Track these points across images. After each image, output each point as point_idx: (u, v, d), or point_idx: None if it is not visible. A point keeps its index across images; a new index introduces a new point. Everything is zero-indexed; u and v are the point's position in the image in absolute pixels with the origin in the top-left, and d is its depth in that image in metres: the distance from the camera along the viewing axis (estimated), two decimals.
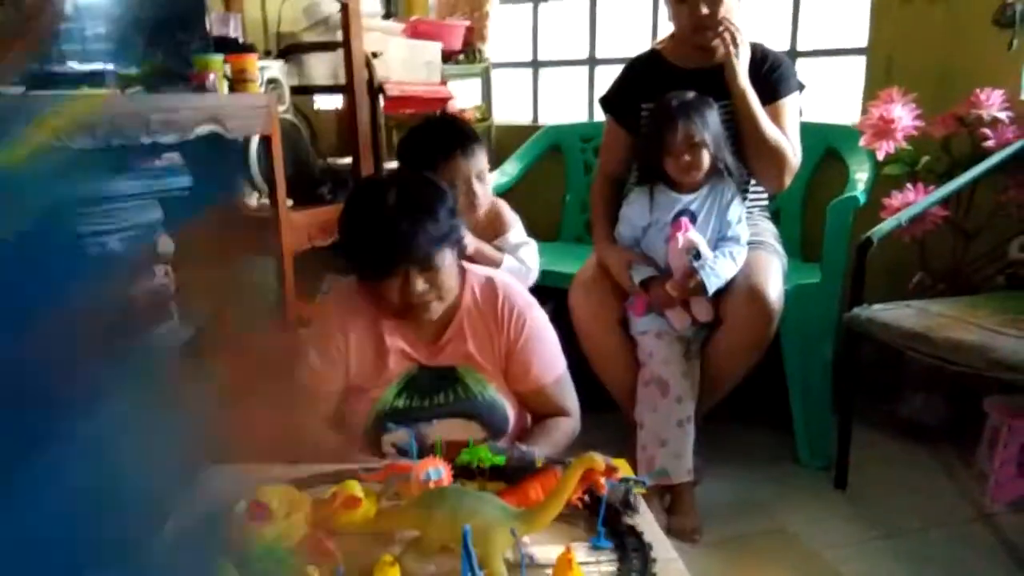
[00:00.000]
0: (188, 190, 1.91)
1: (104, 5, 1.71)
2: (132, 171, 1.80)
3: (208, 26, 1.98)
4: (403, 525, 1.04)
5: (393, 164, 2.61)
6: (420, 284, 1.34)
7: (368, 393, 1.44)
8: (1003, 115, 2.13)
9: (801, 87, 2.03)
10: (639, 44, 2.24)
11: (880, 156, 2.21)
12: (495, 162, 2.85)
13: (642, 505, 1.11)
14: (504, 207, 1.92)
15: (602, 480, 1.05)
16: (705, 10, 1.90)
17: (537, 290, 1.75)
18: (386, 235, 1.32)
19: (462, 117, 1.99)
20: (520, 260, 1.83)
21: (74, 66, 1.66)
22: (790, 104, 1.99)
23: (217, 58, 1.83)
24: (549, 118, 3.26)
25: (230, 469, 1.28)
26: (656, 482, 1.79)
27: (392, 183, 1.38)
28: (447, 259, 1.36)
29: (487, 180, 1.84)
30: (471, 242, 1.72)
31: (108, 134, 1.53)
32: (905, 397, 2.33)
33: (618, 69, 2.18)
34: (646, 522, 1.07)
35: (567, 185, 3.01)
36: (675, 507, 1.86)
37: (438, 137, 1.78)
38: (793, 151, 1.95)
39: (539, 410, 1.51)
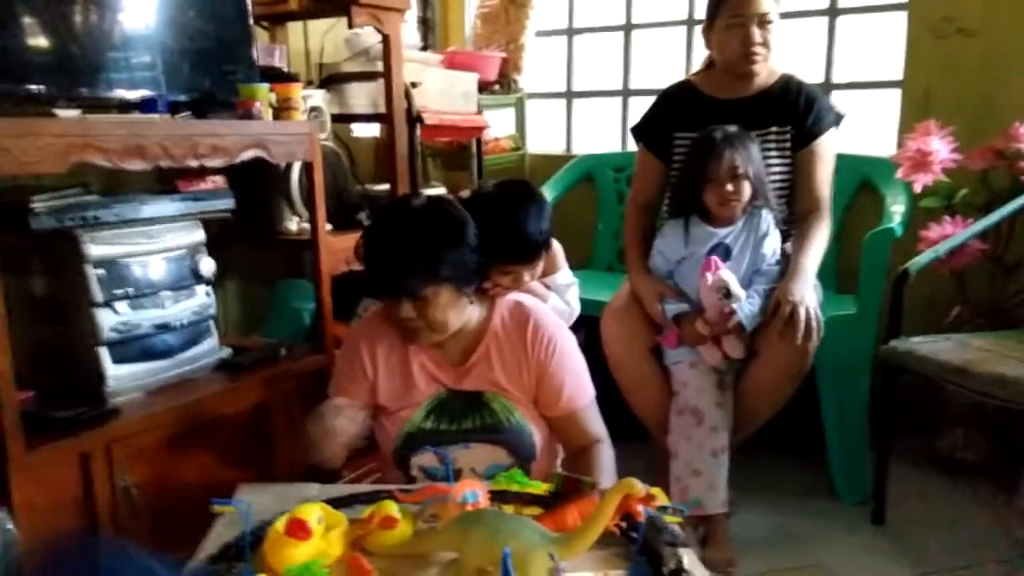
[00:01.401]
0: (231, 212, 1.95)
1: (155, 35, 1.77)
2: (177, 193, 1.85)
3: (254, 56, 2.03)
4: (440, 547, 1.04)
5: (430, 191, 2.64)
6: (407, 311, 1.36)
7: (397, 414, 1.46)
8: None
9: (839, 118, 2.03)
10: (672, 75, 2.26)
11: (918, 189, 2.20)
12: None
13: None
14: (557, 247, 1.80)
15: (639, 508, 1.04)
16: (758, 36, 1.92)
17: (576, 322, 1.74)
18: (380, 261, 1.37)
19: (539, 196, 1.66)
20: (566, 302, 1.81)
21: (125, 92, 1.72)
22: (828, 142, 1.99)
23: (263, 87, 1.88)
24: (582, 148, 3.29)
25: (267, 487, 1.30)
26: (690, 512, 1.77)
27: (406, 213, 1.40)
28: (442, 295, 1.35)
29: (538, 270, 1.69)
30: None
31: (158, 157, 1.58)
32: (944, 432, 2.29)
33: (651, 100, 2.20)
34: (685, 553, 1.07)
35: (599, 214, 3.02)
36: (709, 539, 1.84)
37: (508, 242, 1.54)
38: (823, 205, 1.98)
39: (570, 437, 1.50)
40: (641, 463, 1.92)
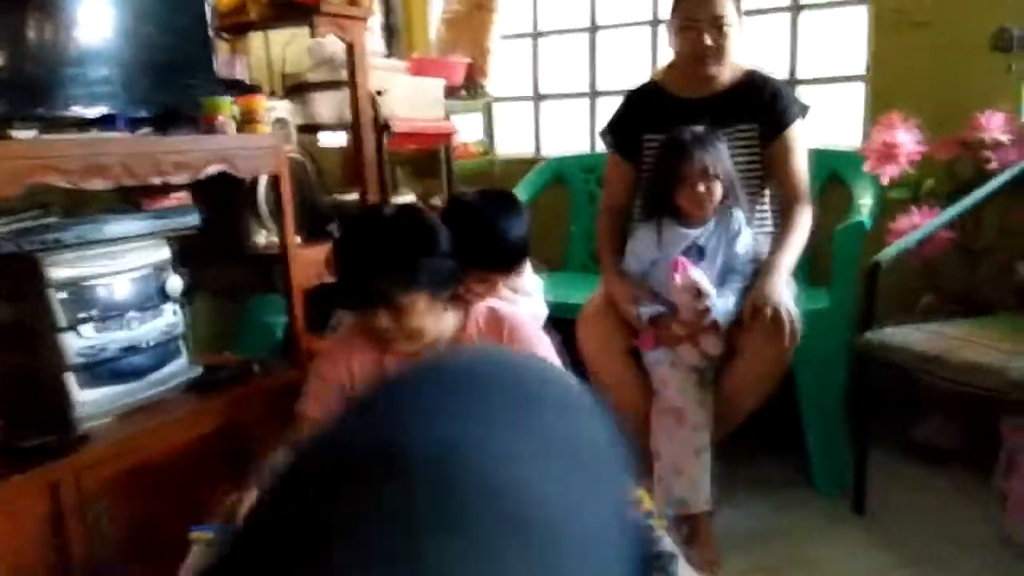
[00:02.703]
0: (197, 228, 1.92)
1: (113, 50, 1.73)
2: (141, 211, 1.81)
3: (216, 68, 2.00)
4: None
5: (400, 199, 2.62)
6: (383, 320, 1.34)
7: None
8: (1004, 137, 2.14)
9: (805, 110, 2.05)
10: (639, 75, 2.27)
11: (885, 181, 2.22)
12: None
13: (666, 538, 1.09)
14: None
15: None
16: (709, 41, 1.92)
17: (548, 322, 1.73)
18: (353, 270, 1.36)
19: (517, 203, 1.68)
20: (534, 304, 1.81)
21: (84, 110, 1.68)
22: (797, 132, 2.01)
23: (226, 100, 1.85)
24: (552, 150, 3.28)
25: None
26: (674, 512, 1.77)
27: (378, 221, 1.39)
28: (419, 302, 1.35)
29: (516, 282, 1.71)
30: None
31: (119, 176, 1.54)
32: (919, 421, 2.32)
33: (619, 100, 2.20)
34: (664, 538, 1.06)
35: (571, 216, 3.02)
36: (693, 538, 1.83)
37: (489, 249, 1.55)
38: (804, 194, 2.00)
39: None
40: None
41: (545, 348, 1.49)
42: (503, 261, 1.56)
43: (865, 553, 1.85)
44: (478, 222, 1.52)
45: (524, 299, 1.75)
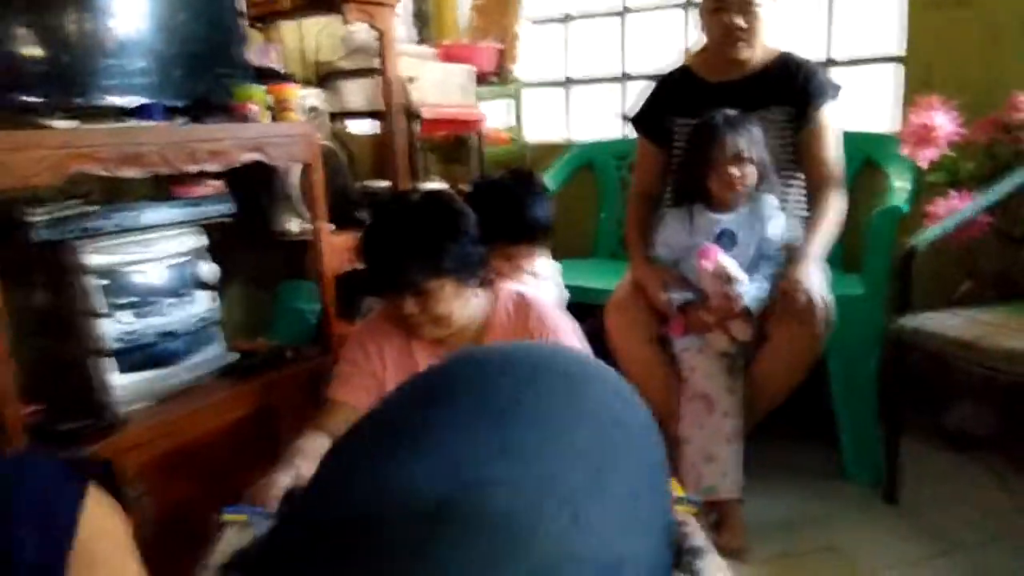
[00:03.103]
0: (231, 216, 1.95)
1: (148, 40, 1.76)
2: (176, 199, 1.84)
3: (249, 58, 2.02)
4: None
5: (430, 185, 2.63)
6: (411, 306, 1.35)
7: None
8: None
9: (837, 91, 2.01)
10: (670, 59, 2.25)
11: (923, 164, 2.18)
12: None
13: (687, 516, 1.09)
14: None
15: None
16: (739, 21, 1.90)
17: (572, 307, 1.74)
18: (380, 257, 1.37)
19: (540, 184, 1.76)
20: (557, 286, 1.82)
21: (120, 100, 1.71)
22: (830, 115, 1.98)
23: (259, 89, 1.87)
24: (581, 136, 3.27)
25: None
26: (704, 499, 1.77)
27: (405, 207, 1.40)
28: (445, 288, 1.35)
29: (535, 258, 1.76)
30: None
31: (155, 164, 1.57)
32: (953, 408, 2.28)
33: (650, 85, 2.18)
34: (695, 532, 1.06)
35: (601, 202, 3.01)
36: (722, 524, 1.83)
37: (514, 221, 1.63)
38: (838, 179, 1.97)
39: None
40: None
41: (570, 333, 1.49)
42: (527, 233, 1.58)
43: (896, 542, 1.83)
44: (501, 195, 1.56)
45: (544, 284, 1.77)
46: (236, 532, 1.12)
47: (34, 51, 1.56)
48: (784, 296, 1.76)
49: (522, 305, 1.48)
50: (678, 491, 1.11)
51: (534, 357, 0.76)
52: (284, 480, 1.22)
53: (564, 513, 0.56)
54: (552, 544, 0.54)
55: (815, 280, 1.78)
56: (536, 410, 0.65)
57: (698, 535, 1.00)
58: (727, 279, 1.77)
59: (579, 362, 0.82)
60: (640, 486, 0.66)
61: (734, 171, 1.82)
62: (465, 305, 1.41)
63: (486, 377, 0.69)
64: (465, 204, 1.44)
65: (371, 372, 1.47)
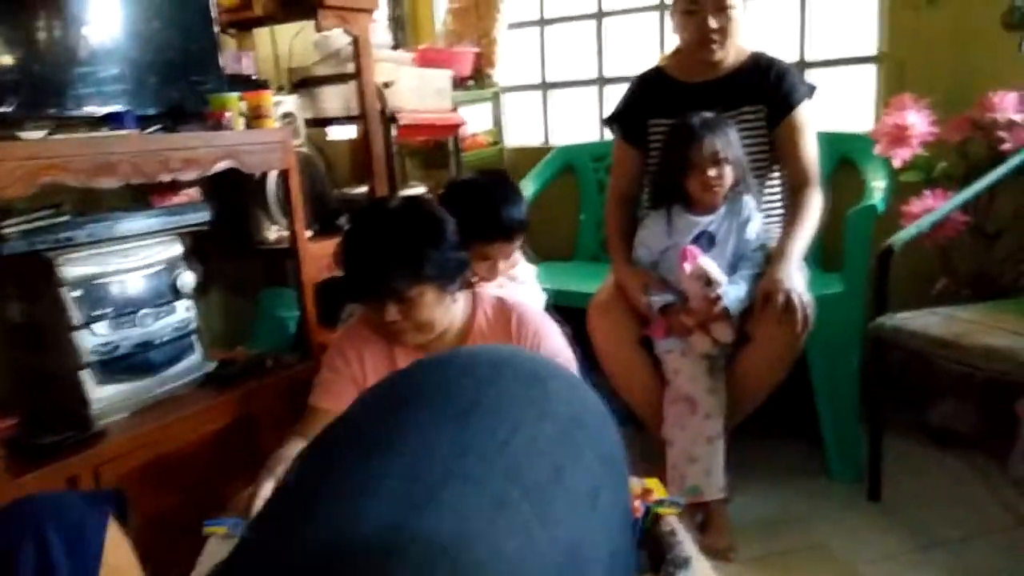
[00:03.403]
0: (208, 224, 1.93)
1: (120, 48, 1.74)
2: (152, 208, 1.82)
3: (222, 65, 2.00)
4: None
5: (410, 191, 2.62)
6: (392, 313, 1.34)
7: None
8: (1018, 117, 2.11)
9: (812, 90, 2.03)
10: (647, 61, 2.25)
11: (897, 163, 2.20)
12: None
13: (679, 526, 1.09)
14: None
15: (637, 503, 1.04)
16: (714, 23, 1.91)
17: (554, 310, 1.73)
18: (361, 264, 1.35)
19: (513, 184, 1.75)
20: (535, 289, 1.82)
21: (93, 109, 1.69)
22: (805, 113, 1.99)
23: (233, 96, 1.85)
24: (560, 139, 3.27)
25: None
26: (688, 500, 1.77)
27: (385, 214, 1.39)
28: (427, 295, 1.34)
29: (517, 257, 1.75)
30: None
31: (129, 174, 1.55)
32: (934, 405, 2.30)
33: (627, 87, 2.19)
34: (685, 543, 1.06)
35: (581, 204, 3.01)
36: (708, 525, 1.84)
37: (488, 219, 1.60)
38: (814, 177, 1.98)
39: None
40: (635, 452, 1.91)
41: (552, 335, 1.49)
42: (500, 230, 1.57)
43: (880, 538, 1.84)
44: (474, 194, 1.54)
45: (520, 287, 1.77)
46: (217, 544, 1.10)
47: (4, 59, 1.53)
48: (764, 296, 1.77)
49: (503, 309, 1.48)
50: (661, 492, 1.10)
51: (495, 358, 0.78)
52: (266, 490, 1.21)
53: (525, 505, 0.58)
54: (512, 550, 0.56)
55: (795, 280, 1.79)
56: (498, 409, 0.67)
57: (687, 544, 0.99)
58: (707, 281, 1.77)
59: (538, 362, 0.85)
60: (599, 482, 0.69)
61: (712, 172, 1.82)
62: (446, 311, 1.40)
63: (448, 379, 0.72)
64: (444, 210, 1.43)
65: (352, 378, 1.46)
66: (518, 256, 1.82)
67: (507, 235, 1.60)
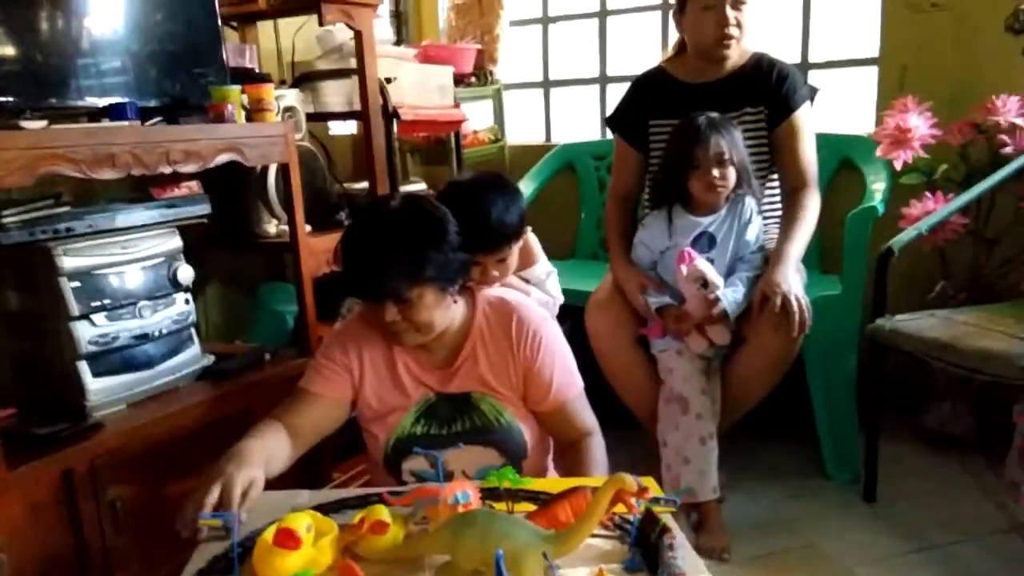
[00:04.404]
0: (208, 217, 1.93)
1: (123, 40, 1.74)
2: (152, 200, 1.82)
3: (225, 57, 2.00)
4: (432, 550, 1.03)
5: (410, 187, 2.62)
6: (392, 314, 1.33)
7: (386, 419, 1.44)
8: (1020, 121, 2.11)
9: (813, 92, 2.03)
10: (649, 61, 2.25)
11: (898, 166, 2.20)
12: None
13: (674, 525, 1.09)
14: (532, 238, 1.76)
15: (632, 501, 1.03)
16: (733, 19, 1.90)
17: (566, 312, 1.72)
18: (361, 264, 1.34)
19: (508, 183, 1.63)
20: (548, 292, 1.79)
21: (94, 100, 1.68)
22: (805, 115, 1.99)
23: (235, 89, 1.85)
24: (562, 137, 3.27)
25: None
26: (682, 500, 1.77)
27: (385, 214, 1.37)
28: (427, 296, 1.33)
29: (512, 262, 1.66)
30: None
31: (129, 165, 1.55)
32: (931, 408, 2.31)
33: (628, 87, 2.19)
34: (679, 543, 1.05)
35: (581, 203, 3.01)
36: (702, 525, 1.84)
37: (473, 228, 1.47)
38: (812, 180, 1.98)
39: (561, 431, 1.48)
40: (632, 451, 1.92)
41: (553, 336, 1.48)
42: (485, 240, 1.52)
43: (875, 540, 1.84)
44: (461, 201, 1.50)
45: (535, 288, 1.73)
46: (213, 536, 1.10)
47: (5, 50, 1.53)
48: (762, 299, 1.77)
49: (504, 308, 1.47)
50: (657, 491, 1.10)
51: None
52: (214, 496, 1.14)
53: None
54: None
55: (793, 283, 1.79)
56: None
57: (680, 562, 0.98)
58: (703, 283, 1.77)
59: None
60: None
61: (716, 173, 1.82)
62: (446, 312, 1.40)
63: None
64: (445, 209, 1.41)
65: (347, 367, 1.45)
66: (537, 252, 1.77)
67: (493, 245, 1.55)
